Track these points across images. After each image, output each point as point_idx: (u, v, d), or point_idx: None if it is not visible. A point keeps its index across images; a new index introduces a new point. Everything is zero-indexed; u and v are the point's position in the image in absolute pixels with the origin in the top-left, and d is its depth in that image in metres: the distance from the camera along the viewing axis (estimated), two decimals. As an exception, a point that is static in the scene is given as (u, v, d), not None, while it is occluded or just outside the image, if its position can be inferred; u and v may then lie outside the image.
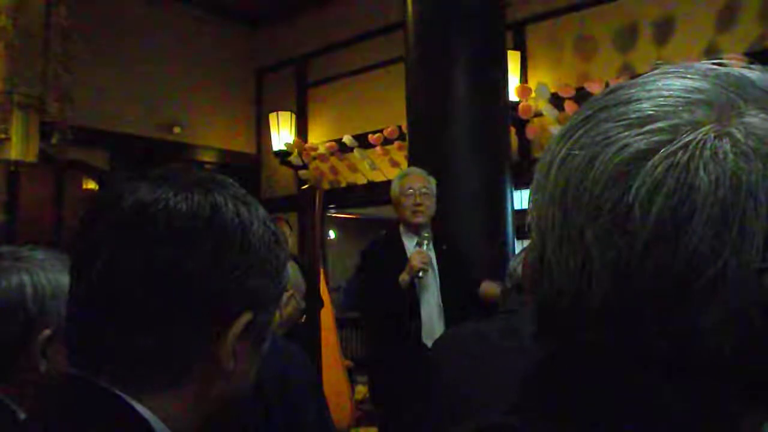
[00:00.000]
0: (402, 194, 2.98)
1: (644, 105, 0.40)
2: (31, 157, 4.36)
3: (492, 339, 1.59)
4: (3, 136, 4.16)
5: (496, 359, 1.50)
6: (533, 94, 5.06)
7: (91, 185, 5.57)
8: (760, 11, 4.39)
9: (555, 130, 4.88)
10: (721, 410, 0.39)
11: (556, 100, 4.91)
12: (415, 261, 2.81)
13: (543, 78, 5.16)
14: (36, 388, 0.96)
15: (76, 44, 4.50)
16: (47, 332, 0.95)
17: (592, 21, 5.10)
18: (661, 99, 0.40)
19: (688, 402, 0.39)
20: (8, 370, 0.97)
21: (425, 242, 2.91)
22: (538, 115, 5.04)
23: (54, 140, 4.38)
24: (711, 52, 4.45)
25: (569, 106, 4.79)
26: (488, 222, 3.39)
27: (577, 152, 0.41)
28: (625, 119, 0.40)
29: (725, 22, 4.50)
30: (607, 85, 4.59)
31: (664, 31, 4.76)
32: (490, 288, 2.90)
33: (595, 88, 4.65)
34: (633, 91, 0.42)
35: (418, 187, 2.97)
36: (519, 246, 3.58)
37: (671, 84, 0.41)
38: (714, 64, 0.42)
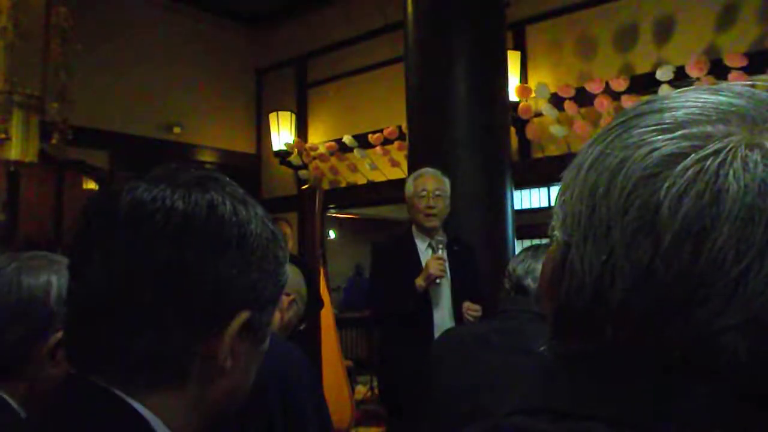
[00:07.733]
0: (415, 195, 2.91)
1: (678, 113, 0.42)
2: (31, 157, 4.36)
3: (492, 339, 1.58)
4: (3, 136, 4.16)
5: (497, 360, 1.49)
6: (533, 94, 5.06)
7: (91, 185, 5.56)
8: (760, 11, 4.38)
9: (555, 130, 4.89)
10: (736, 414, 0.39)
11: (556, 100, 4.91)
12: (433, 268, 2.74)
13: (543, 78, 5.16)
14: (42, 390, 0.96)
15: (76, 45, 4.50)
16: (60, 335, 0.95)
17: (592, 21, 5.10)
18: (696, 108, 0.42)
19: (702, 404, 0.39)
20: (18, 366, 0.97)
21: (441, 246, 2.83)
22: (538, 115, 5.04)
23: (54, 140, 4.39)
24: (711, 52, 4.44)
25: (569, 106, 4.80)
26: (488, 222, 3.38)
27: (609, 152, 0.42)
28: (658, 125, 0.41)
29: (725, 22, 4.50)
30: (607, 85, 4.59)
31: (664, 31, 4.76)
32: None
33: (595, 88, 4.65)
34: (668, 101, 0.43)
35: (431, 189, 2.90)
36: (519, 246, 3.57)
37: (706, 98, 0.43)
38: (747, 84, 0.44)
